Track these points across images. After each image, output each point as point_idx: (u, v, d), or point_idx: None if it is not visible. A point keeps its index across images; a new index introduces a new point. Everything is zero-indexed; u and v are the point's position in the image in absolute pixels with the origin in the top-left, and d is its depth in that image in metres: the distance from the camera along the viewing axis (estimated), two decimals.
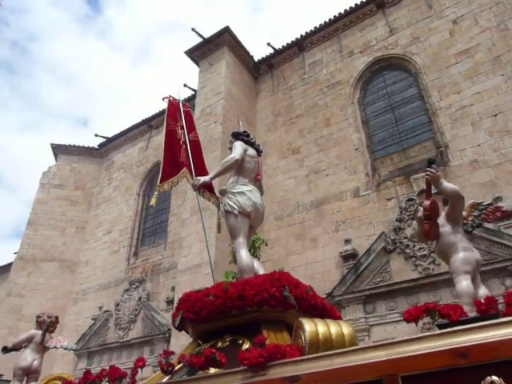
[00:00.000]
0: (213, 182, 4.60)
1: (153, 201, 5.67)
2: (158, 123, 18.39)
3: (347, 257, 10.26)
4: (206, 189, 4.92)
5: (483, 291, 2.93)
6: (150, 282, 14.35)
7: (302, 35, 14.92)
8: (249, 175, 4.22)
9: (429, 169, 3.08)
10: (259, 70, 15.90)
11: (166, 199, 15.59)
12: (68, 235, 18.29)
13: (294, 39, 15.04)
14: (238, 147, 4.24)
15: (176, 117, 5.68)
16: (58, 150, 20.12)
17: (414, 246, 9.21)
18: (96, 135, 19.75)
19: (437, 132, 10.76)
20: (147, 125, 18.75)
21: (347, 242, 10.43)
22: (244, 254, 3.77)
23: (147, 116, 18.72)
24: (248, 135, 4.54)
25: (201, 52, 15.58)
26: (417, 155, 10.95)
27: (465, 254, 2.93)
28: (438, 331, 1.85)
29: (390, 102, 12.25)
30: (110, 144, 20.01)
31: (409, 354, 1.73)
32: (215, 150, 12.66)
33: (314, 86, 13.95)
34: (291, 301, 2.99)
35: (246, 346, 2.84)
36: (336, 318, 3.55)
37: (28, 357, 4.88)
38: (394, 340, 1.92)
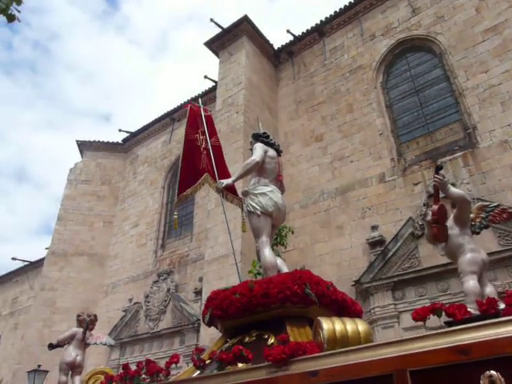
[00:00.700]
0: (235, 184, 4.72)
1: (175, 224, 6.37)
2: (180, 116, 18.49)
3: (374, 243, 10.14)
4: (229, 191, 5.06)
5: (490, 290, 3.05)
6: (178, 274, 14.53)
7: (321, 20, 14.68)
8: (270, 176, 4.32)
9: (436, 175, 3.24)
10: (279, 58, 15.75)
11: None
12: (96, 229, 18.68)
13: (313, 25, 14.81)
14: (259, 149, 4.33)
15: (197, 123, 5.79)
16: (84, 146, 20.50)
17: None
18: (120, 130, 20.02)
19: (464, 113, 10.46)
20: (169, 118, 18.88)
21: (374, 228, 10.31)
22: (268, 253, 3.91)
23: (169, 109, 18.84)
24: (268, 136, 4.63)
25: (220, 42, 15.53)
26: (443, 138, 10.68)
27: (472, 254, 3.07)
28: (441, 330, 1.99)
29: (414, 85, 11.96)
30: (134, 138, 20.25)
31: (416, 351, 1.89)
32: (238, 141, 12.65)
33: (335, 72, 13.74)
34: (312, 297, 3.14)
35: (271, 340, 3.02)
36: (357, 311, 3.66)
37: (72, 353, 5.26)
38: (403, 338, 2.08)
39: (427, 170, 10.33)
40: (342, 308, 3.45)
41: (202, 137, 5.67)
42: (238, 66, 14.46)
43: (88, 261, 17.94)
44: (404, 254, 9.41)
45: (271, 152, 4.46)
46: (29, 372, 12.05)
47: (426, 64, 12.02)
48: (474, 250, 3.13)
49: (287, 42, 15.42)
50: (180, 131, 18.33)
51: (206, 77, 16.52)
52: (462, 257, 3.13)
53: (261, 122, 13.53)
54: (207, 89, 17.32)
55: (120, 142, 20.63)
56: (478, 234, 3.40)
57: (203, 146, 5.59)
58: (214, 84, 16.36)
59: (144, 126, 19.83)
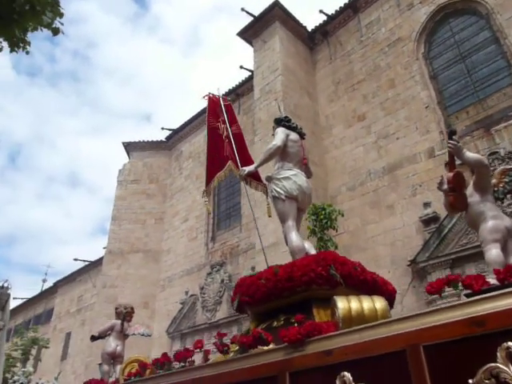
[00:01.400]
0: (259, 169, 4.70)
1: (208, 209, 5.78)
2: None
3: (428, 221, 9.80)
4: (253, 178, 5.09)
5: None
6: (230, 265, 14.75)
7: None
8: (293, 159, 4.26)
9: (450, 141, 3.06)
10: (314, 40, 15.43)
11: (236, 182, 15.80)
12: (148, 227, 19.29)
13: (346, 1, 14.36)
14: (280, 133, 4.29)
15: (217, 113, 5.83)
16: (130, 147, 21.14)
17: (503, 202, 8.56)
18: (162, 128, 20.46)
19: None
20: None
21: (426, 205, 9.95)
22: (294, 237, 3.86)
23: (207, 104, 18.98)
24: (289, 120, 4.58)
25: (253, 31, 15.41)
26: (496, 104, 10.09)
27: (493, 222, 2.88)
28: (455, 302, 1.92)
29: (459, 52, 11.35)
30: (177, 135, 20.62)
31: (429, 325, 1.84)
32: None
33: (373, 48, 13.29)
34: (337, 278, 3.08)
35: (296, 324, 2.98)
36: (389, 291, 3.57)
37: (112, 343, 5.52)
38: (417, 312, 2.02)
39: (480, 139, 9.83)
40: (373, 288, 3.35)
41: (223, 125, 5.71)
42: (273, 52, 14.31)
43: (143, 257, 18.60)
44: (461, 229, 9.03)
45: (293, 136, 4.40)
46: (99, 364, 12.70)
47: (471, 28, 11.36)
48: (497, 216, 2.93)
49: (321, 22, 15.06)
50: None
51: (241, 67, 16.51)
52: (483, 225, 2.95)
53: (300, 106, 13.42)
54: (244, 79, 17.30)
55: (163, 139, 21.09)
56: (501, 200, 3.19)
57: (225, 134, 5.63)
58: (250, 73, 16.32)
59: (185, 122, 20.13)
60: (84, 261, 24.98)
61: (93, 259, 24.41)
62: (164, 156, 21.00)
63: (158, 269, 18.40)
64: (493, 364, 1.57)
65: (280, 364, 2.36)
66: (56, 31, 3.67)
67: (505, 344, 1.54)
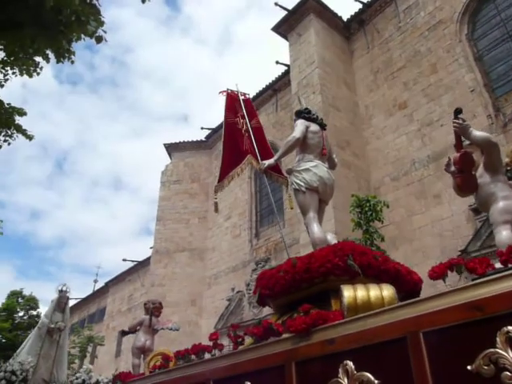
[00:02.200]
0: (280, 162, 4.76)
1: (216, 207, 5.84)
2: (257, 105, 18.59)
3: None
4: (273, 170, 5.15)
5: None
6: (275, 260, 14.76)
7: None
8: (314, 151, 4.23)
9: (455, 120, 2.93)
10: (350, 30, 15.14)
11: None
12: (192, 226, 19.64)
13: None
14: (299, 125, 4.27)
15: (235, 108, 5.85)
16: (171, 148, 21.58)
17: None
18: (202, 128, 20.74)
19: None
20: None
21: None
22: (316, 229, 3.84)
23: None
24: (309, 112, 4.47)
25: (287, 25, 15.31)
26: None
27: (504, 202, 2.76)
28: (454, 287, 1.86)
29: (506, 30, 10.79)
30: (216, 134, 20.82)
31: (429, 311, 1.81)
32: None
33: (412, 33, 12.87)
34: (355, 269, 3.03)
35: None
36: (414, 280, 3.47)
37: (141, 338, 5.73)
38: (416, 299, 2.03)
39: None
40: (395, 278, 3.26)
41: (242, 120, 5.72)
42: (309, 45, 14.16)
43: (189, 256, 18.96)
44: None
45: (314, 127, 4.33)
46: None
47: None
48: (508, 197, 2.79)
49: (356, 11, 14.75)
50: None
51: (277, 62, 16.45)
52: (493, 206, 2.82)
53: (339, 98, 13.22)
54: (280, 74, 17.24)
55: (203, 139, 21.38)
56: None
57: (244, 128, 5.63)
58: (286, 68, 16.23)
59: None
60: (132, 261, 25.82)
61: (140, 259, 25.18)
62: (204, 155, 21.30)
63: (204, 267, 18.71)
64: (492, 349, 1.53)
65: (286, 354, 2.41)
66: (99, 39, 3.80)
67: (504, 328, 1.50)
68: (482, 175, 2.93)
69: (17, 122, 5.32)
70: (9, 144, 5.33)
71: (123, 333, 6.33)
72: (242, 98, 6.04)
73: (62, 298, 8.03)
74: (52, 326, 7.58)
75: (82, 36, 4.12)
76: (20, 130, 5.01)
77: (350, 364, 1.99)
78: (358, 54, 14.66)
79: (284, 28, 15.43)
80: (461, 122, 2.91)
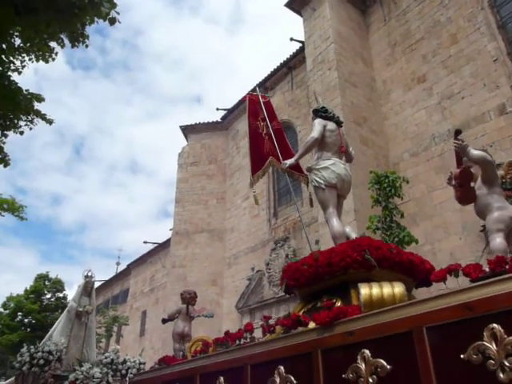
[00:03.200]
0: (300, 161, 4.94)
1: (256, 200, 6.40)
2: (271, 84, 18.46)
3: (503, 183, 9.20)
4: (294, 169, 5.42)
5: None
6: (294, 239, 14.82)
7: None
8: (331, 149, 4.46)
9: (455, 140, 3.24)
10: (366, 2, 14.71)
11: None
12: (211, 207, 19.78)
13: None
14: (317, 125, 4.48)
15: (257, 111, 6.15)
16: (187, 130, 21.60)
17: None
18: (217, 109, 20.65)
19: None
20: (262, 88, 18.88)
21: (500, 166, 9.33)
22: (335, 223, 4.15)
23: (258, 80, 18.88)
24: (326, 110, 4.69)
25: (301, 0, 14.97)
26: None
27: (498, 213, 3.08)
28: (452, 290, 2.19)
29: None
30: (231, 115, 20.75)
31: (430, 310, 2.15)
32: (335, 98, 12.25)
33: (431, 2, 12.44)
34: (372, 262, 3.32)
35: (338, 304, 3.33)
36: (426, 270, 3.73)
37: (180, 325, 6.18)
38: (421, 299, 2.36)
39: None
40: (409, 268, 3.60)
41: (262, 123, 6.04)
42: (323, 20, 13.85)
43: (208, 237, 19.16)
44: None
45: (330, 125, 4.54)
46: None
47: None
48: (502, 207, 3.11)
49: None
50: (274, 100, 18.30)
51: (291, 39, 16.17)
52: (489, 216, 3.14)
53: (355, 74, 12.97)
54: (295, 51, 16.96)
55: (219, 120, 21.31)
56: (510, 190, 3.47)
57: (265, 131, 5.96)
58: (301, 45, 15.95)
59: (239, 101, 20.16)
60: (153, 243, 26.25)
61: (160, 241, 25.57)
62: (221, 136, 21.27)
63: (223, 247, 18.90)
64: (480, 342, 1.85)
65: (313, 343, 2.75)
66: (113, 21, 3.77)
67: (490, 325, 1.81)
68: (480, 187, 3.26)
69: (36, 108, 5.38)
70: (30, 129, 5.41)
71: (164, 320, 6.76)
72: (262, 100, 6.31)
73: (88, 283, 8.58)
74: (80, 310, 8.11)
75: (95, 19, 4.10)
76: (40, 114, 5.06)
77: (367, 352, 2.34)
78: (375, 28, 14.29)
79: (297, 3, 15.09)
80: (460, 142, 3.20)
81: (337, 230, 4.09)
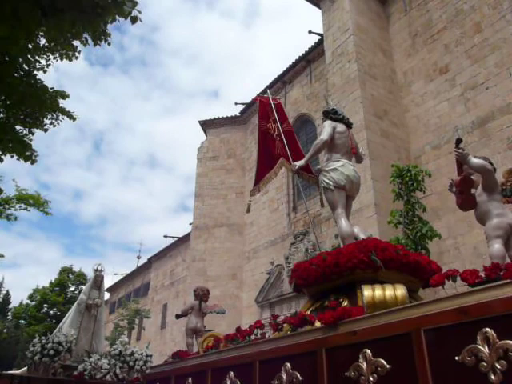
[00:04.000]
0: (310, 163, 5.08)
1: (249, 207, 6.52)
2: (290, 78, 18.36)
3: None
4: (304, 171, 5.46)
5: None
6: (313, 233, 14.77)
7: None
8: (341, 150, 4.51)
9: (456, 150, 3.36)
10: None
11: None
12: (230, 201, 19.86)
13: None
14: (327, 127, 4.53)
15: (268, 114, 6.24)
16: (206, 125, 21.68)
17: None
18: (236, 103, 20.66)
19: None
20: (280, 82, 18.86)
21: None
22: (344, 224, 4.21)
23: (276, 74, 18.80)
24: (336, 112, 4.74)
25: None
26: None
27: (497, 219, 3.14)
28: (449, 294, 2.28)
29: None
30: (250, 109, 20.72)
31: (428, 313, 2.25)
32: (354, 91, 12.12)
33: None
34: (378, 263, 3.40)
35: (345, 303, 3.43)
36: (432, 270, 3.76)
37: (193, 320, 6.38)
38: (420, 302, 2.51)
39: None
40: (415, 269, 3.65)
41: (273, 125, 6.13)
42: (342, 11, 13.68)
43: (228, 231, 19.27)
44: None
45: (340, 127, 4.59)
46: None
47: None
48: (501, 214, 3.18)
49: None
50: (293, 93, 18.23)
51: (310, 32, 16.04)
52: (488, 222, 3.21)
53: (375, 66, 12.79)
54: (313, 44, 16.81)
55: (238, 114, 21.32)
56: (510, 197, 3.49)
57: (276, 133, 6.04)
58: (319, 37, 15.80)
59: (257, 95, 20.13)
60: (173, 237, 26.52)
61: (180, 235, 25.81)
62: (239, 130, 21.29)
63: (243, 241, 18.98)
64: (473, 345, 1.93)
65: (318, 342, 2.85)
66: (135, 19, 3.80)
67: (483, 329, 1.89)
68: (480, 194, 3.33)
69: (60, 105, 5.48)
70: (54, 126, 5.51)
71: (177, 316, 6.95)
72: (273, 102, 6.42)
73: (98, 277, 8.87)
74: (90, 302, 8.34)
75: (117, 17, 4.14)
76: (65, 112, 5.16)
77: (368, 352, 2.43)
78: (395, 18, 14.05)
79: None
80: (461, 151, 3.31)
81: (345, 231, 4.17)
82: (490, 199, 3.27)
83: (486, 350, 1.88)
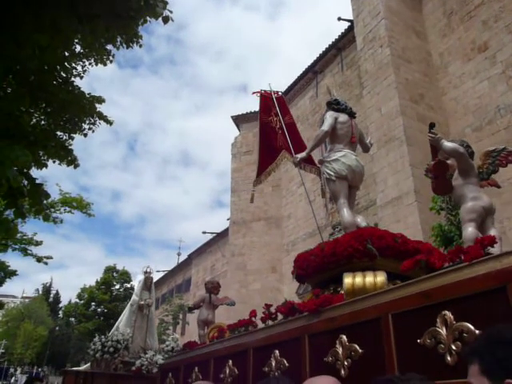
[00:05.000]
0: (313, 153, 5.18)
1: (252, 199, 6.84)
2: (321, 67, 18.12)
3: None
4: (307, 162, 5.56)
5: (493, 233, 3.01)
6: None
7: None
8: (343, 140, 4.54)
9: (429, 134, 3.33)
10: None
11: None
12: (267, 195, 19.86)
13: None
14: (328, 118, 4.57)
15: (269, 107, 6.30)
16: (239, 120, 21.76)
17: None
18: None
19: None
20: (311, 72, 18.65)
21: None
22: (346, 213, 4.26)
23: (308, 63, 18.59)
24: (338, 103, 4.78)
25: None
26: None
27: (472, 203, 3.16)
28: (413, 280, 2.41)
29: None
30: None
31: (395, 298, 2.36)
32: (388, 76, 11.82)
33: None
34: (373, 252, 3.44)
35: (342, 292, 3.43)
36: (434, 258, 3.57)
37: (204, 312, 6.58)
38: (389, 288, 2.60)
39: None
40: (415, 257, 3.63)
41: (275, 118, 6.18)
42: None
43: (265, 224, 19.31)
44: None
45: (342, 117, 4.61)
46: None
47: None
48: (475, 198, 3.19)
49: None
50: (324, 82, 17.99)
51: (339, 19, 15.76)
52: (463, 205, 3.23)
53: (409, 49, 12.43)
54: (343, 31, 16.50)
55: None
56: (487, 180, 3.44)
57: (277, 126, 6.10)
58: (349, 24, 15.49)
59: (288, 87, 20.00)
60: (211, 233, 26.87)
61: (218, 231, 26.11)
62: None
63: (281, 234, 18.98)
64: (433, 328, 2.01)
65: (303, 328, 2.99)
66: (166, 20, 3.85)
67: (442, 312, 1.96)
68: (456, 178, 3.33)
69: (97, 109, 5.62)
70: (93, 131, 5.67)
71: (189, 309, 7.22)
72: (274, 96, 6.49)
73: (148, 279, 9.44)
74: (142, 303, 8.87)
75: (148, 19, 4.21)
76: (102, 116, 5.29)
77: (344, 337, 2.57)
78: None
79: None
80: (433, 135, 3.29)
81: (347, 220, 4.20)
82: (465, 183, 3.26)
83: (444, 332, 1.95)
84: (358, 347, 2.46)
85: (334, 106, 4.77)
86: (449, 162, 3.46)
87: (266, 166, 6.04)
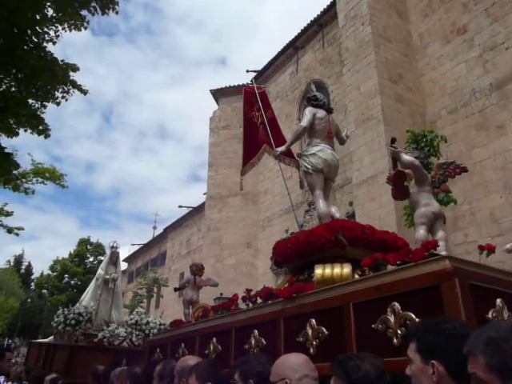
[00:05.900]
0: (292, 147, 5.38)
1: (241, 187, 7.13)
2: (302, 43, 17.93)
3: None
4: (286, 156, 5.84)
5: (440, 235, 3.56)
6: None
7: None
8: (320, 135, 4.81)
9: (390, 147, 3.77)
10: None
11: None
12: None
13: None
14: (307, 114, 4.83)
15: (252, 102, 6.56)
16: (217, 94, 21.45)
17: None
18: (247, 71, 20.27)
19: None
20: (292, 47, 18.44)
21: None
22: (321, 204, 4.60)
23: (289, 38, 18.36)
24: (317, 99, 5.01)
25: None
26: None
27: (424, 208, 3.61)
28: (372, 274, 2.81)
29: None
30: (262, 76, 20.37)
31: (355, 290, 2.71)
32: (368, 55, 11.81)
33: None
34: (343, 242, 3.84)
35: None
36: (398, 247, 4.05)
37: (189, 293, 6.81)
38: (352, 280, 3.01)
39: None
40: (383, 245, 3.96)
41: (257, 113, 6.45)
42: None
43: (242, 200, 19.35)
44: None
45: (320, 113, 4.87)
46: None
47: None
48: (427, 204, 3.62)
49: None
50: (305, 58, 17.85)
51: None
52: (416, 210, 3.67)
53: (390, 28, 12.40)
54: (325, 7, 16.30)
55: (249, 82, 20.99)
56: (438, 188, 3.89)
57: (259, 121, 6.40)
58: (332, 0, 15.29)
59: (269, 62, 19.77)
60: (187, 207, 26.80)
61: (194, 205, 26.05)
62: None
63: (257, 210, 19.08)
64: (384, 315, 2.38)
65: (278, 312, 3.33)
66: None
67: (392, 303, 2.35)
68: (413, 186, 3.75)
69: (71, 78, 5.45)
70: (66, 100, 5.50)
71: (175, 289, 7.48)
72: (258, 91, 6.70)
73: (114, 253, 9.62)
74: (107, 277, 9.06)
75: None
76: (76, 85, 5.13)
77: (313, 321, 2.92)
78: None
79: None
80: (393, 149, 3.72)
81: (322, 211, 4.55)
82: (419, 191, 3.67)
83: (392, 319, 2.33)
84: (324, 330, 2.81)
85: (313, 102, 5.01)
86: (407, 171, 3.89)
87: (249, 159, 6.43)
